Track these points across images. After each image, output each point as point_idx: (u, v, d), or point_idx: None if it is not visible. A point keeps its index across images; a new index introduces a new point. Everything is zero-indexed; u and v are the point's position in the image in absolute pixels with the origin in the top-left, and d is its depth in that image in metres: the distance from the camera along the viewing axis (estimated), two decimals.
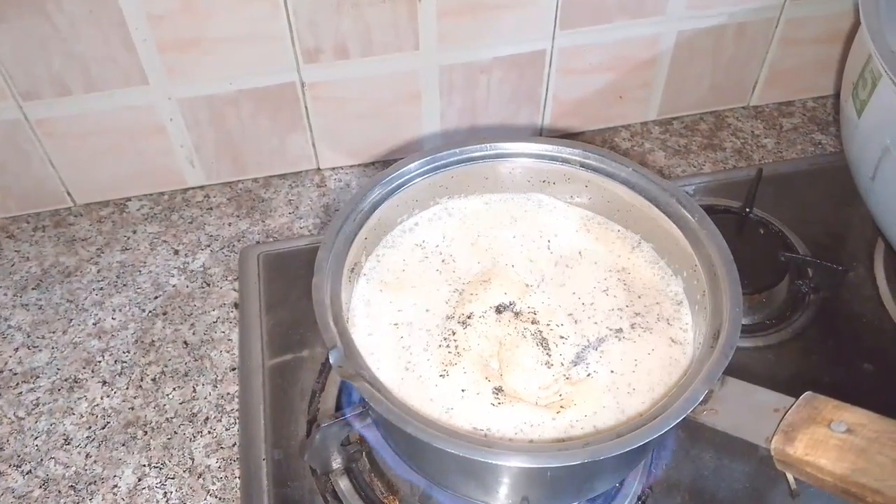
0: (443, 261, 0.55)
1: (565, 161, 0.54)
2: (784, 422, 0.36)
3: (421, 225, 0.56)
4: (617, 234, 0.55)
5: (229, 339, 0.65)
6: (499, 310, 0.51)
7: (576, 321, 0.51)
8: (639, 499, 0.54)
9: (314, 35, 0.67)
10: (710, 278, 0.46)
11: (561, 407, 0.46)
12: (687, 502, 0.54)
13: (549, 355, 0.49)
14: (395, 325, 0.50)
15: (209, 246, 0.73)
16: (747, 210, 0.69)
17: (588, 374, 0.48)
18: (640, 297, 0.52)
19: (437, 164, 0.52)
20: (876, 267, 0.68)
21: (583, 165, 0.53)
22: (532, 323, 0.51)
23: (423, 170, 0.52)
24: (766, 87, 0.84)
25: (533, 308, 0.52)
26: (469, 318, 0.51)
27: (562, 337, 0.50)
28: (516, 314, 0.51)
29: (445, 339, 0.50)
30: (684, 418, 0.39)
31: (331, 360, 0.41)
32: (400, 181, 0.51)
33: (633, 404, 0.45)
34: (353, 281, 0.51)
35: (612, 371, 0.48)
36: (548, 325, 0.50)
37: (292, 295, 0.66)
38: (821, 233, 0.71)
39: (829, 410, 0.36)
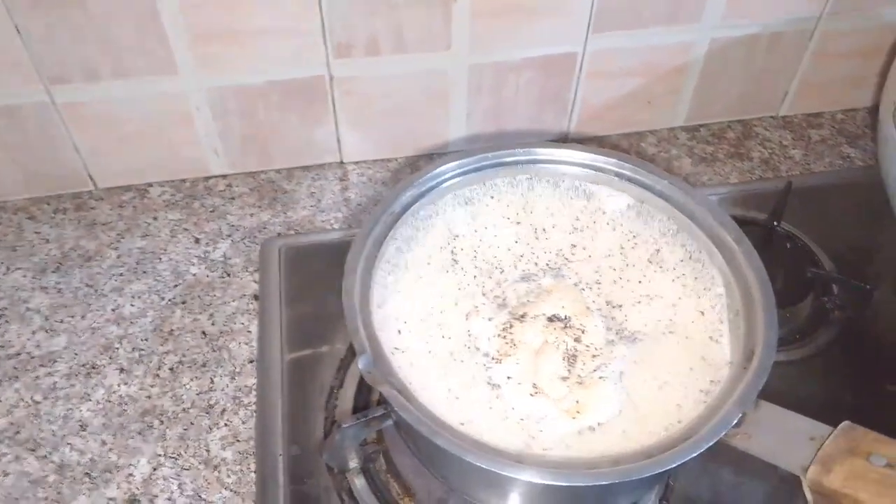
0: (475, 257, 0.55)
1: (600, 170, 0.53)
2: (822, 451, 0.36)
3: (454, 223, 0.56)
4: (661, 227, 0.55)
5: (248, 331, 0.65)
6: (551, 319, 0.51)
7: (612, 351, 0.51)
8: None
9: (346, 31, 0.67)
10: (745, 297, 0.45)
11: (578, 412, 0.46)
12: None
13: (570, 371, 0.49)
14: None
15: (230, 236, 0.72)
16: (775, 223, 0.69)
17: (601, 377, 0.48)
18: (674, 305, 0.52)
19: (469, 167, 0.51)
20: None
21: (618, 175, 0.53)
22: (575, 341, 0.50)
23: (455, 172, 0.51)
24: (797, 97, 0.83)
25: (583, 326, 0.51)
26: (523, 316, 0.51)
27: (594, 357, 0.50)
28: (565, 327, 0.51)
29: (504, 329, 0.51)
30: (717, 441, 0.39)
31: (360, 366, 0.41)
32: (432, 183, 0.50)
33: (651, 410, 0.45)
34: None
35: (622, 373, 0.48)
36: (587, 347, 0.50)
37: (313, 289, 0.66)
38: (847, 249, 0.70)
39: (869, 443, 0.35)
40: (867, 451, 0.35)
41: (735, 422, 0.38)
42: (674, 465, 0.37)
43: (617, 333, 0.51)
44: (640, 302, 0.52)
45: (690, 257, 0.51)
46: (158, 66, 0.66)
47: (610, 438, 0.44)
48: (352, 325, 0.42)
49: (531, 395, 0.47)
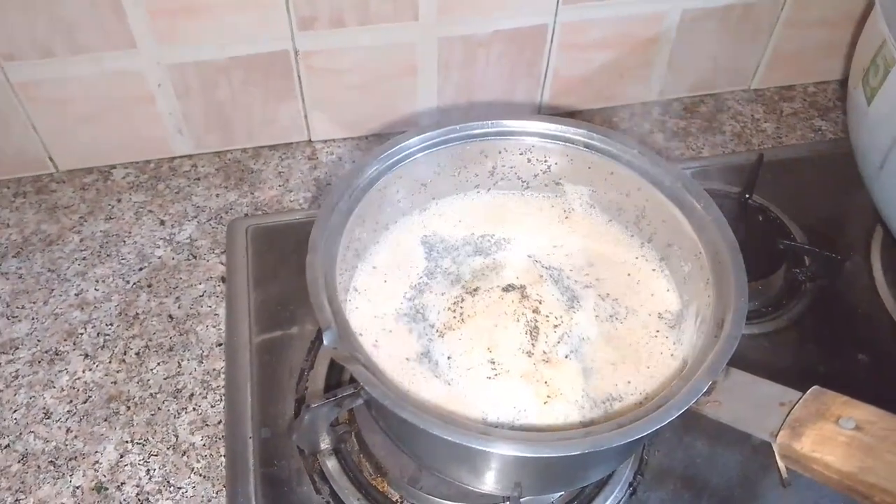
0: (442, 240, 0.54)
1: (569, 141, 0.52)
2: (791, 417, 0.35)
3: (420, 202, 0.55)
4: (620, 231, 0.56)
5: (216, 314, 0.64)
6: (506, 289, 0.51)
7: (572, 308, 0.51)
8: (630, 485, 0.53)
9: (310, 2, 0.65)
10: (715, 266, 0.45)
11: (548, 396, 0.46)
12: (678, 489, 0.53)
13: (534, 345, 0.49)
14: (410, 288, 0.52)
15: (196, 217, 0.71)
16: (747, 196, 0.68)
17: (566, 356, 0.48)
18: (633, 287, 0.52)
19: (436, 140, 0.50)
20: (873, 256, 0.67)
21: (587, 146, 0.52)
22: (533, 312, 0.50)
23: (421, 146, 0.50)
24: (769, 70, 0.83)
25: (540, 296, 0.51)
26: (476, 290, 0.51)
27: (555, 327, 0.50)
28: (523, 296, 0.51)
29: (455, 303, 0.50)
30: (687, 409, 0.38)
31: (325, 342, 0.40)
32: (398, 157, 0.49)
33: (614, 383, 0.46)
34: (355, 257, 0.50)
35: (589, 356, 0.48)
36: (547, 317, 0.50)
37: (281, 270, 0.65)
38: (819, 220, 0.70)
39: (838, 406, 0.35)
40: (837, 414, 0.35)
41: (705, 389, 0.38)
42: (644, 434, 0.37)
43: (574, 301, 0.51)
44: (593, 265, 0.53)
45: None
46: (116, 42, 0.64)
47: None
48: (316, 300, 0.41)
49: (489, 378, 0.47)
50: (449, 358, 0.48)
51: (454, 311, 0.50)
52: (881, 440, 0.33)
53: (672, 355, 0.47)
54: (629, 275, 0.52)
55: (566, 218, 0.56)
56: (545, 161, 0.54)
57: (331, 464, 0.54)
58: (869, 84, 0.53)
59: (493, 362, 0.48)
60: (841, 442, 0.34)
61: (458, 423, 0.38)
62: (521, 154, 0.54)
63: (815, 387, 0.36)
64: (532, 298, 0.51)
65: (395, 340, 0.49)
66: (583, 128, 0.52)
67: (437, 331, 0.49)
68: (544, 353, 0.48)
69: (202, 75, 0.68)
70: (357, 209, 0.48)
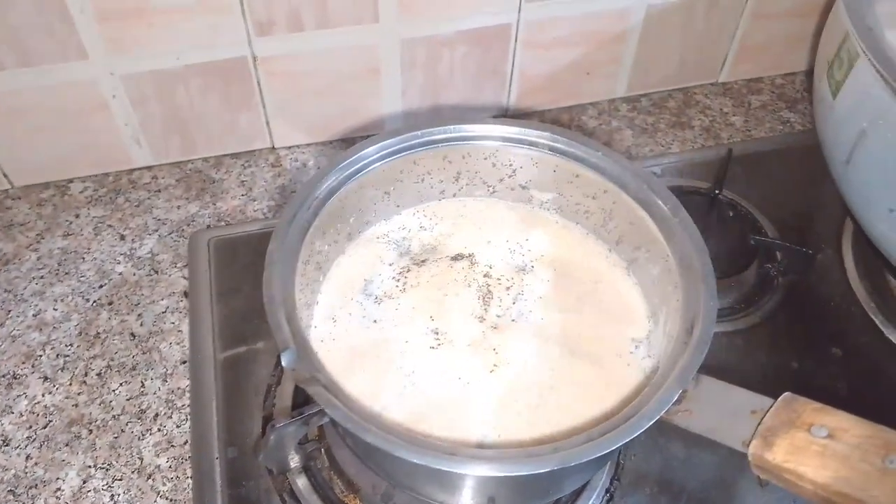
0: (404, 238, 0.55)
1: (532, 144, 0.51)
2: (762, 425, 0.35)
3: (384, 210, 0.54)
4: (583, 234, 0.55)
5: (179, 331, 0.62)
6: (455, 258, 0.52)
7: (523, 271, 0.52)
8: (607, 491, 0.52)
9: (266, 5, 0.63)
10: (683, 270, 0.44)
11: (494, 365, 0.46)
12: (655, 494, 0.53)
13: (486, 310, 0.49)
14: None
15: (157, 231, 0.69)
16: (717, 192, 0.68)
17: (513, 320, 0.49)
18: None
19: (396, 147, 0.49)
20: (844, 249, 0.67)
21: (551, 149, 0.51)
22: (484, 276, 0.51)
23: (381, 154, 0.48)
24: (736, 63, 0.82)
25: (490, 263, 0.52)
26: (424, 261, 0.51)
27: (507, 289, 0.51)
28: (472, 264, 0.52)
29: (400, 273, 0.51)
30: (657, 420, 0.37)
31: (283, 363, 0.38)
32: (357, 166, 0.48)
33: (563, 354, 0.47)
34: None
35: (541, 318, 0.49)
36: (498, 280, 0.51)
37: (245, 283, 0.63)
38: (790, 214, 0.70)
39: (810, 414, 0.34)
40: (808, 422, 0.34)
41: (675, 399, 0.37)
42: (614, 448, 0.36)
43: (526, 267, 0.52)
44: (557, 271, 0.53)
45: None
46: (66, 52, 0.62)
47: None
48: (273, 319, 0.39)
49: (431, 348, 0.47)
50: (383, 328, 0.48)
51: (398, 280, 0.51)
52: (854, 448, 0.32)
53: (639, 361, 0.46)
54: (596, 282, 0.51)
55: (533, 223, 0.55)
56: (510, 165, 0.53)
57: (301, 482, 0.52)
58: (833, 77, 0.53)
59: (437, 332, 0.48)
60: (814, 451, 0.33)
61: (425, 444, 0.37)
62: (485, 159, 0.53)
63: (786, 394, 0.36)
64: (482, 264, 0.52)
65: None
66: (546, 130, 0.51)
67: (375, 300, 0.49)
68: (498, 317, 0.49)
69: (158, 84, 0.66)
70: (316, 221, 0.47)
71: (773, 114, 0.82)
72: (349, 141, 0.76)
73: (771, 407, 0.35)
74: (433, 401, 0.44)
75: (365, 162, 0.48)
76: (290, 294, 0.42)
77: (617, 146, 0.77)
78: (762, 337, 0.62)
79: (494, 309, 0.49)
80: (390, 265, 0.52)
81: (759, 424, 0.35)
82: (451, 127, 0.50)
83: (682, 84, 0.83)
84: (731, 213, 0.68)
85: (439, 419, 0.43)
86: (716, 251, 0.61)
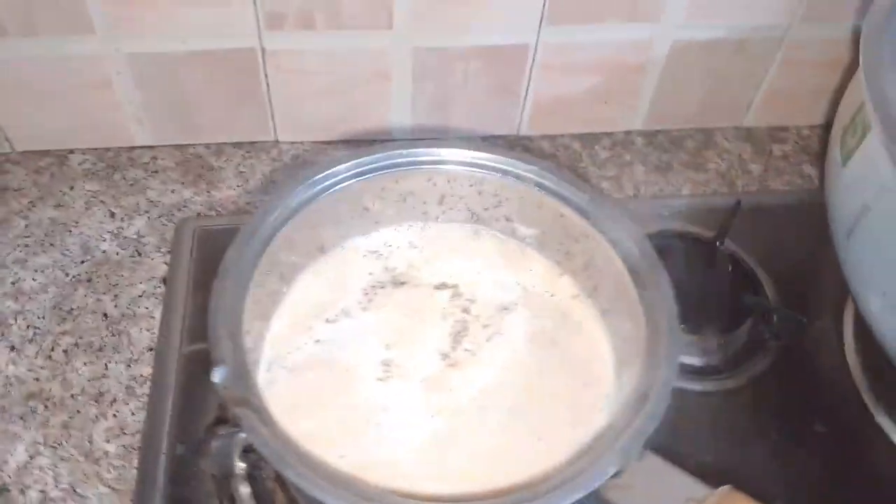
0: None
1: (519, 178, 0.49)
2: None
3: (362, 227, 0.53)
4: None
5: (152, 317, 0.61)
6: (439, 287, 0.50)
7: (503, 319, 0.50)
8: None
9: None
10: (650, 334, 0.42)
11: (443, 408, 0.45)
12: None
13: (454, 348, 0.47)
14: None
15: (147, 212, 0.68)
16: (719, 242, 0.65)
17: (478, 361, 0.47)
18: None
19: (374, 165, 0.47)
20: (845, 320, 0.64)
21: (538, 185, 0.49)
22: (462, 311, 0.49)
23: (356, 171, 0.47)
24: (762, 107, 0.79)
25: (474, 297, 0.50)
26: (403, 283, 0.49)
27: (484, 327, 0.49)
28: (454, 296, 0.50)
29: (370, 289, 0.49)
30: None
31: (213, 379, 0.37)
32: (327, 182, 0.46)
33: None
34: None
35: (506, 363, 0.47)
36: (477, 316, 0.49)
37: None
38: (793, 275, 0.66)
39: None
40: None
41: (612, 473, 0.35)
42: None
43: (507, 304, 0.50)
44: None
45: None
46: (72, 25, 0.61)
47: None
48: (212, 333, 0.38)
49: (379, 379, 0.45)
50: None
51: (363, 296, 0.49)
52: None
53: (594, 417, 0.44)
54: (570, 329, 0.49)
55: (519, 259, 0.53)
56: (495, 195, 0.51)
57: (243, 489, 0.51)
58: (846, 144, 0.50)
59: (387, 364, 0.46)
60: None
61: (352, 487, 0.35)
62: (471, 186, 0.51)
63: (726, 486, 0.33)
64: (464, 297, 0.50)
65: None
66: (534, 164, 0.49)
67: (327, 320, 0.47)
68: (465, 352, 0.47)
69: (163, 67, 0.66)
70: (283, 231, 0.45)
71: (793, 166, 0.78)
72: (354, 143, 0.75)
73: (705, 498, 0.33)
74: (370, 436, 0.42)
75: (337, 178, 0.47)
76: (238, 307, 0.41)
77: (626, 181, 0.75)
78: (745, 401, 0.59)
79: (465, 346, 0.47)
80: (360, 282, 0.50)
81: None
82: (436, 150, 0.49)
83: (703, 124, 0.80)
84: (729, 267, 0.65)
85: (373, 457, 0.41)
86: (709, 306, 0.59)
